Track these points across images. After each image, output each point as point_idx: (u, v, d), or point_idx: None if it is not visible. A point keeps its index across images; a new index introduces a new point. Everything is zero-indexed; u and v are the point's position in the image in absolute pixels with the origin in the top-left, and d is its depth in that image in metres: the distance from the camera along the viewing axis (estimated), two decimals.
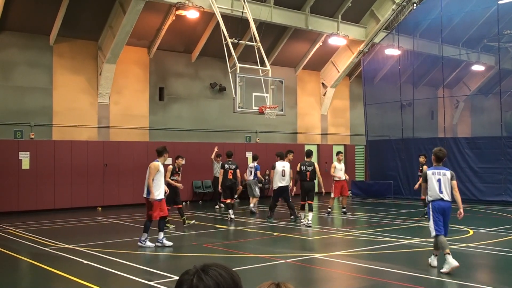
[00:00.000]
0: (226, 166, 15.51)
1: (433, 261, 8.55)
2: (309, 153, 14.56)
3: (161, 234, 10.94)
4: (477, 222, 14.28)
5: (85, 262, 9.14)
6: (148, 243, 10.76)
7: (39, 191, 17.62)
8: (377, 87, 25.06)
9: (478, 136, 21.90)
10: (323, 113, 26.30)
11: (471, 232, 12.47)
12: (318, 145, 25.78)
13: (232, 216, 14.88)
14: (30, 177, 17.49)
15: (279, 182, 14.29)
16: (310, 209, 13.61)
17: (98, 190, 18.83)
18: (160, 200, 11.06)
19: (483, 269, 9.23)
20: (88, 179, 18.65)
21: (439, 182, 8.56)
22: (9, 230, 13.28)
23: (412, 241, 11.31)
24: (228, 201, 15.34)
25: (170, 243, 10.91)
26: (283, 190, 14.40)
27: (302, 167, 14.11)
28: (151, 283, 7.57)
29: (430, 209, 8.57)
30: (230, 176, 15.38)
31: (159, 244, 10.81)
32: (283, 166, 14.46)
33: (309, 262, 9.30)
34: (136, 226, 14.17)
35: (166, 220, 12.99)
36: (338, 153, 16.95)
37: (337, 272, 8.89)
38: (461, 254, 10.06)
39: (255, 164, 18.19)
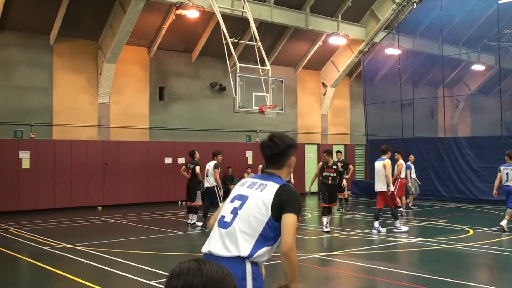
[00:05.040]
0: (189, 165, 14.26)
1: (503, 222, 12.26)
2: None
3: (377, 223, 12.43)
4: (477, 221, 14.28)
5: (85, 261, 9.15)
6: (403, 227, 12.47)
7: (39, 190, 17.62)
8: (377, 86, 25.04)
9: (478, 136, 21.88)
10: (323, 112, 26.30)
11: (471, 231, 12.47)
12: (318, 144, 25.78)
13: (189, 222, 13.87)
14: (30, 177, 17.49)
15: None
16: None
17: (98, 190, 18.83)
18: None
19: (483, 268, 9.23)
20: (88, 178, 18.65)
21: (507, 175, 12.74)
22: (9, 230, 13.29)
23: (412, 240, 11.32)
24: (190, 204, 14.15)
25: (406, 228, 12.54)
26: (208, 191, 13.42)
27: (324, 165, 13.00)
28: (151, 282, 7.57)
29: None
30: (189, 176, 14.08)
31: (397, 230, 12.30)
32: (208, 165, 13.47)
33: (309, 261, 9.29)
34: (136, 226, 14.18)
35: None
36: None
37: (337, 272, 8.89)
38: (461, 253, 10.07)
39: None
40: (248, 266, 3.13)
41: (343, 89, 27.29)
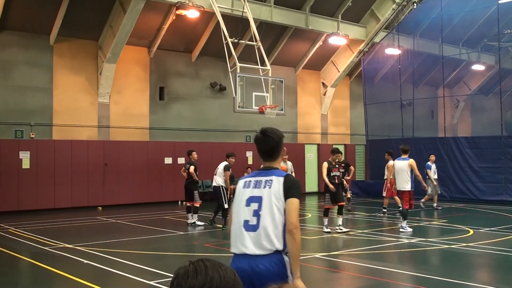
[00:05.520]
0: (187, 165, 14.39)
1: None
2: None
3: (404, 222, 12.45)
4: (477, 221, 14.28)
5: (85, 261, 9.14)
6: (408, 228, 12.30)
7: (39, 190, 17.62)
8: (377, 86, 25.04)
9: (478, 136, 21.88)
10: (323, 112, 26.30)
11: (471, 231, 12.46)
12: (318, 144, 25.78)
13: (189, 222, 13.92)
14: (31, 177, 17.49)
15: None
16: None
17: (98, 190, 18.83)
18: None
19: (483, 268, 9.23)
20: (88, 178, 18.65)
21: None
22: (10, 230, 13.29)
23: (412, 240, 11.32)
24: (188, 204, 14.15)
25: (411, 230, 12.34)
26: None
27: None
28: (151, 282, 7.57)
29: None
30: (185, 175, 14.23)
31: (403, 230, 12.27)
32: (220, 165, 13.63)
33: (309, 261, 9.29)
34: (136, 226, 14.18)
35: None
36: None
37: (337, 272, 8.89)
38: (461, 253, 10.07)
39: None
40: (285, 257, 3.59)
41: (343, 89, 27.29)
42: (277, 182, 3.65)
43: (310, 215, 16.59)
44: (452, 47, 24.69)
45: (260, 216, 3.61)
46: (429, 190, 17.25)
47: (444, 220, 14.47)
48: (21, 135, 17.74)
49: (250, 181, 3.77)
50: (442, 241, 11.09)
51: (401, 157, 12.75)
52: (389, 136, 23.40)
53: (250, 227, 3.62)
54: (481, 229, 12.74)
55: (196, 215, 14.04)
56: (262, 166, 3.85)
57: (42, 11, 17.54)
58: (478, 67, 29.71)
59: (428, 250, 10.28)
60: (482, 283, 7.76)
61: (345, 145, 26.53)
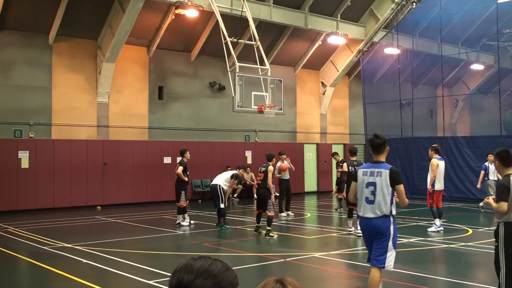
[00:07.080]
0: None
1: None
2: (354, 151, 12.69)
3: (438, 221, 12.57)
4: (476, 221, 14.29)
5: (84, 261, 9.14)
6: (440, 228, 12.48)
7: (38, 190, 17.61)
8: (377, 86, 25.03)
9: (477, 135, 21.89)
10: (323, 112, 26.30)
11: (470, 231, 12.48)
12: (317, 144, 25.78)
13: (182, 223, 13.66)
14: (29, 176, 17.48)
15: None
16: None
17: (97, 189, 18.82)
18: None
19: (482, 268, 9.22)
20: (88, 178, 18.64)
21: None
22: (9, 229, 13.28)
23: (412, 240, 11.32)
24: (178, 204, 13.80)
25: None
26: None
27: (350, 167, 12.21)
28: (150, 282, 7.57)
29: None
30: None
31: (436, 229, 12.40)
32: (230, 172, 13.96)
33: (308, 261, 9.30)
34: (135, 225, 14.17)
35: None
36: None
37: (336, 271, 8.89)
38: (460, 253, 10.07)
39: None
40: (391, 218, 5.92)
41: (342, 88, 27.29)
42: (385, 173, 5.83)
43: (309, 215, 16.59)
44: (451, 47, 24.68)
45: (375, 195, 5.83)
46: (491, 191, 15.63)
47: (444, 220, 14.46)
48: (20, 135, 17.72)
49: (367, 171, 5.93)
50: (441, 240, 11.09)
51: (438, 156, 12.69)
52: (388, 136, 23.28)
53: (370, 201, 5.88)
54: (480, 228, 12.74)
55: (181, 216, 13.75)
56: (374, 159, 5.98)
57: (41, 10, 17.52)
58: (477, 67, 29.72)
59: (428, 250, 10.28)
60: (481, 282, 7.76)
61: (344, 144, 26.52)
